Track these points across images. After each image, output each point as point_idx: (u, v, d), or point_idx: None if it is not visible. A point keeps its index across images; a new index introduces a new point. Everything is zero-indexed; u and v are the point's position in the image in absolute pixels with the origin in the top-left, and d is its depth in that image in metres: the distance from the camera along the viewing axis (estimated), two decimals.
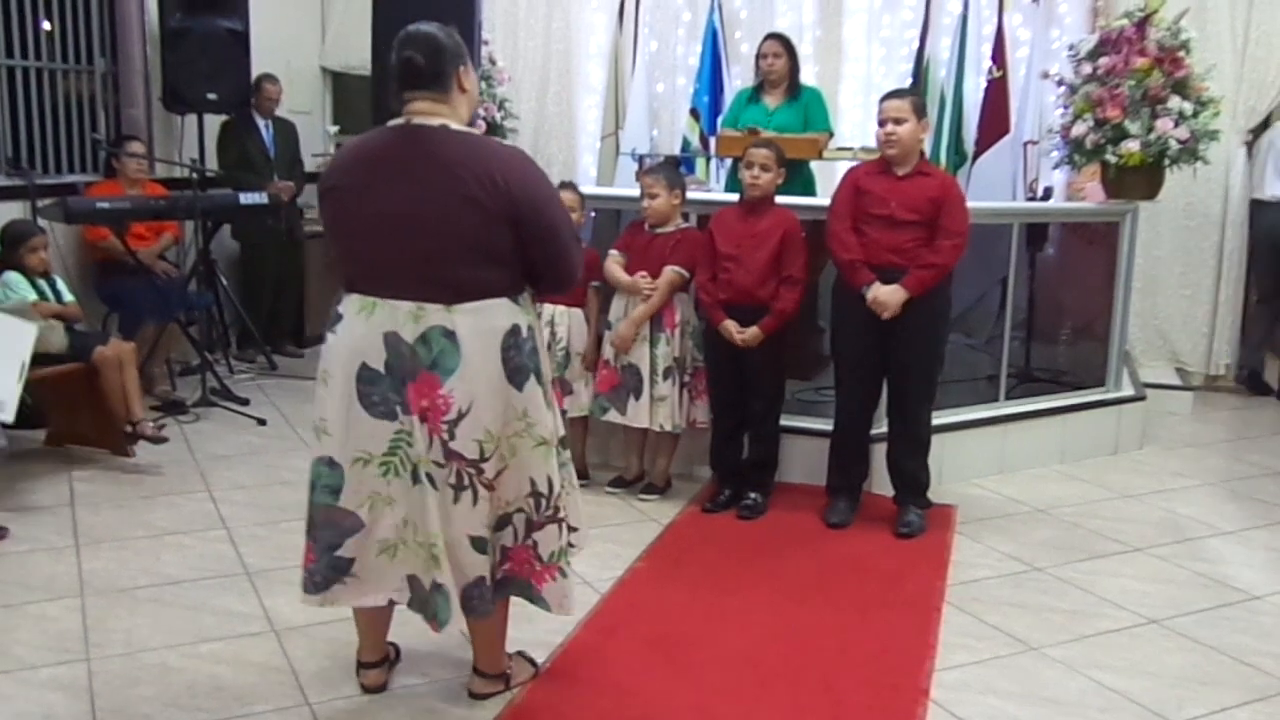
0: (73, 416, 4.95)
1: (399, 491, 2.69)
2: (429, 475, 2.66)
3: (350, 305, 2.70)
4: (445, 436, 2.64)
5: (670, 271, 4.46)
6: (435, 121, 2.65)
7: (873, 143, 4.49)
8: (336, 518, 2.74)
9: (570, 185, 4.71)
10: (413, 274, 2.62)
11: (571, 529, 2.90)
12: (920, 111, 4.17)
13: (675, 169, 5.04)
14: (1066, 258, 6.17)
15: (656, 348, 4.50)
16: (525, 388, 2.71)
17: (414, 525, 2.69)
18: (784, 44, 5.75)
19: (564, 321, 4.65)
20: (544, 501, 2.78)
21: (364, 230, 2.66)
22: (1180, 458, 5.47)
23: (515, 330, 2.69)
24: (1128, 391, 5.58)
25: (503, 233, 2.63)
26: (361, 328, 2.65)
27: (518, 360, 2.69)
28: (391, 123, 2.71)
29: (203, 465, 4.87)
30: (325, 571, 2.77)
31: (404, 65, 2.66)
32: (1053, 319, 6.07)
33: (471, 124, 2.76)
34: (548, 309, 4.62)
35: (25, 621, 3.34)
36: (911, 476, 4.35)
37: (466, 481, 2.68)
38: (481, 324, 2.64)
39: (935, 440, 4.45)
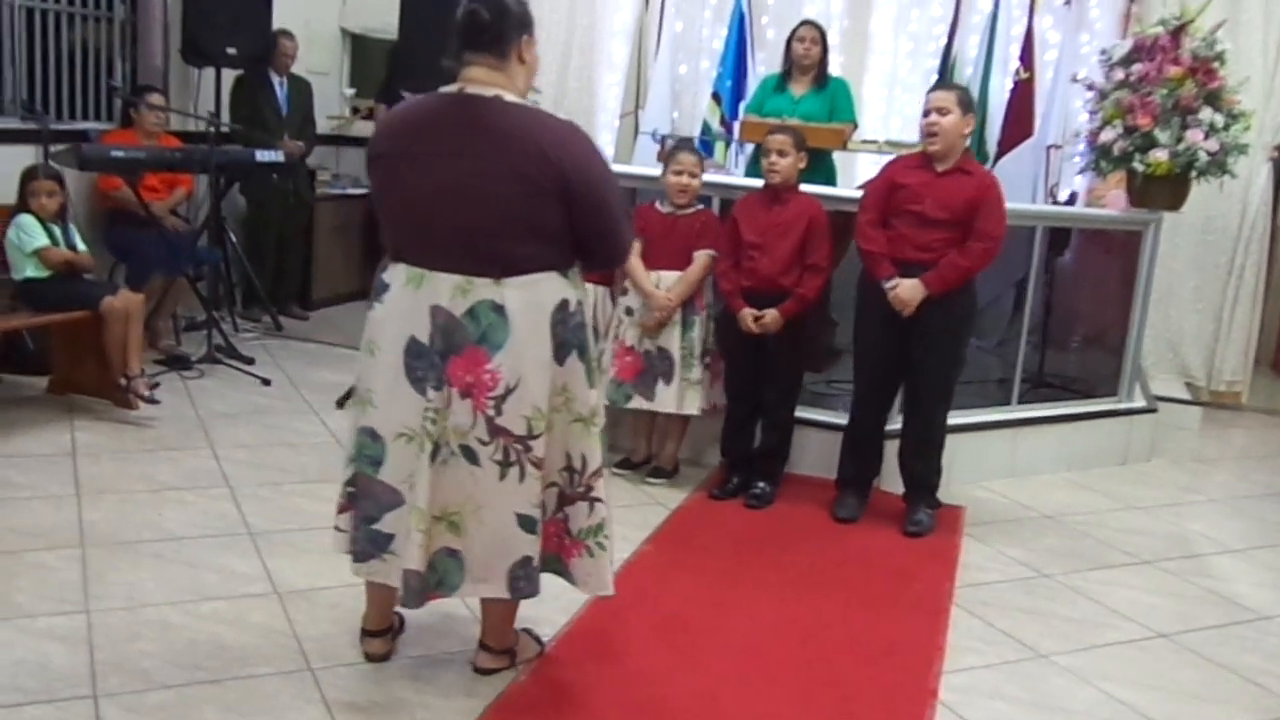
0: (77, 365, 4.90)
1: (420, 468, 2.62)
2: (467, 449, 2.60)
3: (397, 276, 2.63)
4: (491, 412, 2.58)
5: (704, 256, 4.40)
6: (490, 92, 2.57)
7: (896, 136, 4.42)
8: (376, 490, 2.69)
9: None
10: (461, 247, 2.55)
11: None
12: (966, 106, 4.07)
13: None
14: (1084, 265, 6.12)
15: (691, 330, 4.44)
16: (566, 362, 2.66)
17: (420, 508, 2.62)
18: (820, 32, 5.71)
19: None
20: (576, 477, 2.74)
21: (412, 200, 2.60)
22: (1188, 472, 5.45)
23: (564, 305, 2.64)
24: (1139, 403, 5.55)
25: (553, 208, 2.56)
26: (409, 300, 2.60)
27: (563, 335, 2.64)
28: (444, 89, 2.62)
29: (205, 422, 4.81)
30: (365, 544, 2.73)
31: (467, 19, 2.57)
32: (1067, 326, 6.02)
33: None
34: None
35: (24, 569, 3.29)
36: (922, 476, 4.31)
37: (514, 458, 2.62)
38: (531, 298, 2.58)
39: (947, 441, 4.40)
